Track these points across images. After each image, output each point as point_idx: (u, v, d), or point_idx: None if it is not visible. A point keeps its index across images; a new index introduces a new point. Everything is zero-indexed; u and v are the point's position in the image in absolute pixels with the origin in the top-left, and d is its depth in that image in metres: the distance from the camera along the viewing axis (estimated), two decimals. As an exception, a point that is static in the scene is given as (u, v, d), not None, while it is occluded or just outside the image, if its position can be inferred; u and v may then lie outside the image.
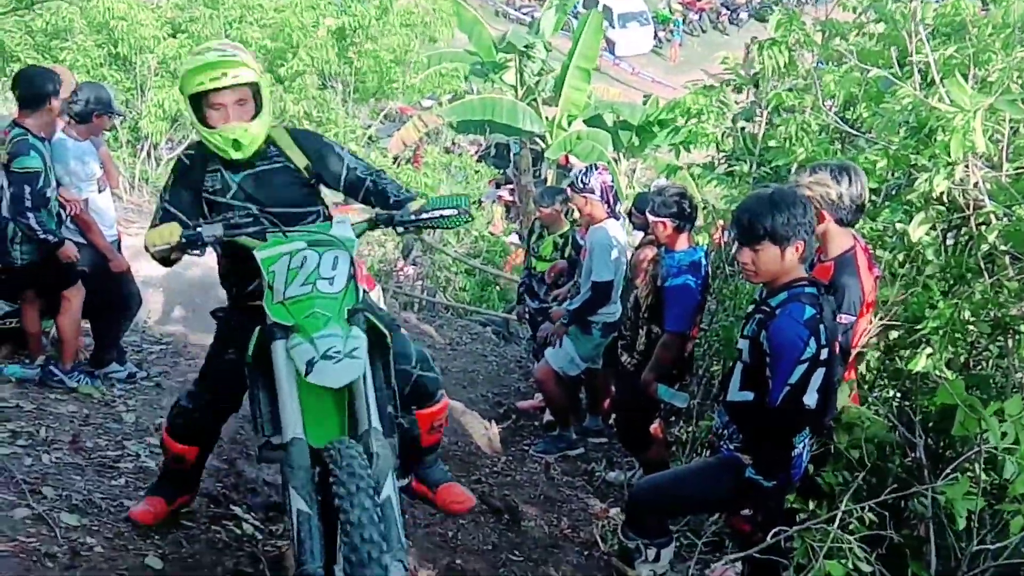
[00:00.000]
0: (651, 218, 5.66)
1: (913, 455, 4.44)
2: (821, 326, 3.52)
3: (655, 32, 37.23)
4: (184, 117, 13.33)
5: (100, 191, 6.25)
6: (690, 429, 6.72)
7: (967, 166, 4.22)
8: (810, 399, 3.53)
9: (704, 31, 38.21)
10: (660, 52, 37.32)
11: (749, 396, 3.72)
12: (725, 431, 3.89)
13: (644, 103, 19.53)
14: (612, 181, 6.41)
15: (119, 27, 12.39)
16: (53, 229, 5.71)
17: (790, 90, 5.70)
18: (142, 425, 5.69)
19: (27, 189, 5.50)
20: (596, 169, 6.44)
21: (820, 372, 3.52)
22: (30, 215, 5.53)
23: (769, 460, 3.72)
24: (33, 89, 5.62)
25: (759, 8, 37.44)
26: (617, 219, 6.46)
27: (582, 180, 6.40)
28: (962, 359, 4.73)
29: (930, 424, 4.62)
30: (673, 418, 6.81)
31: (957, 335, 4.40)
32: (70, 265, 5.87)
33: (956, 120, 3.92)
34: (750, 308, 3.84)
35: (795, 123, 5.14)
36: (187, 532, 4.46)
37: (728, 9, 38.90)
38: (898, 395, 4.95)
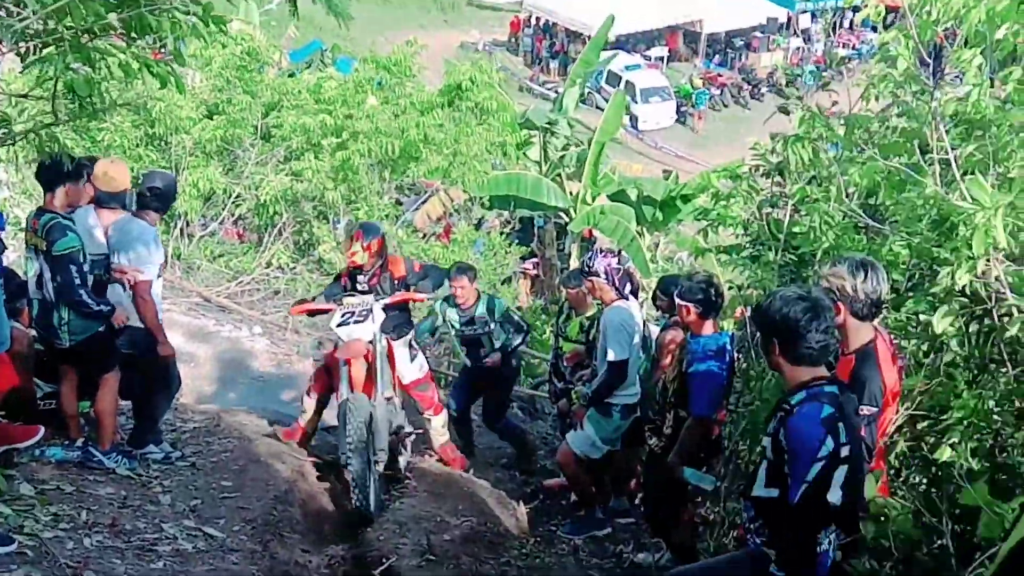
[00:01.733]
0: (678, 302, 5.78)
1: (941, 542, 4.48)
2: (840, 424, 3.58)
3: (678, 106, 37.62)
4: (217, 196, 13.63)
5: (159, 276, 6.41)
6: (717, 510, 6.76)
7: (988, 260, 4.32)
8: (834, 496, 3.58)
9: (726, 106, 38.59)
10: (684, 124, 37.67)
11: (774, 492, 3.77)
12: (752, 525, 3.95)
13: (666, 178, 19.68)
14: (619, 264, 6.50)
15: (156, 107, 12.70)
16: (103, 299, 5.87)
17: (813, 179, 5.84)
18: (178, 507, 5.80)
19: (73, 269, 5.66)
20: (600, 253, 6.58)
21: (842, 469, 3.58)
22: (82, 292, 5.69)
23: (792, 556, 3.76)
24: (50, 174, 5.74)
25: (777, 92, 37.91)
26: (627, 300, 6.54)
27: (587, 264, 6.56)
28: (987, 446, 4.78)
29: (957, 511, 4.66)
30: (700, 499, 6.82)
31: (982, 424, 4.47)
32: (111, 349, 6.02)
33: (978, 218, 4.04)
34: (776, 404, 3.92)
35: (819, 214, 5.26)
36: (226, 617, 4.55)
37: (749, 84, 39.35)
38: (924, 482, 5.00)
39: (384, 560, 5.63)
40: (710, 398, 5.69)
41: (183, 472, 6.46)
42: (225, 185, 13.81)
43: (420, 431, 7.70)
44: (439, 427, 7.83)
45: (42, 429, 5.33)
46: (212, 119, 13.82)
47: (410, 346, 7.52)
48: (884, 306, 4.38)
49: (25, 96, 3.61)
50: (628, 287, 6.58)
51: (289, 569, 5.37)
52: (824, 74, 37.63)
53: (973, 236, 4.05)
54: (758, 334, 3.97)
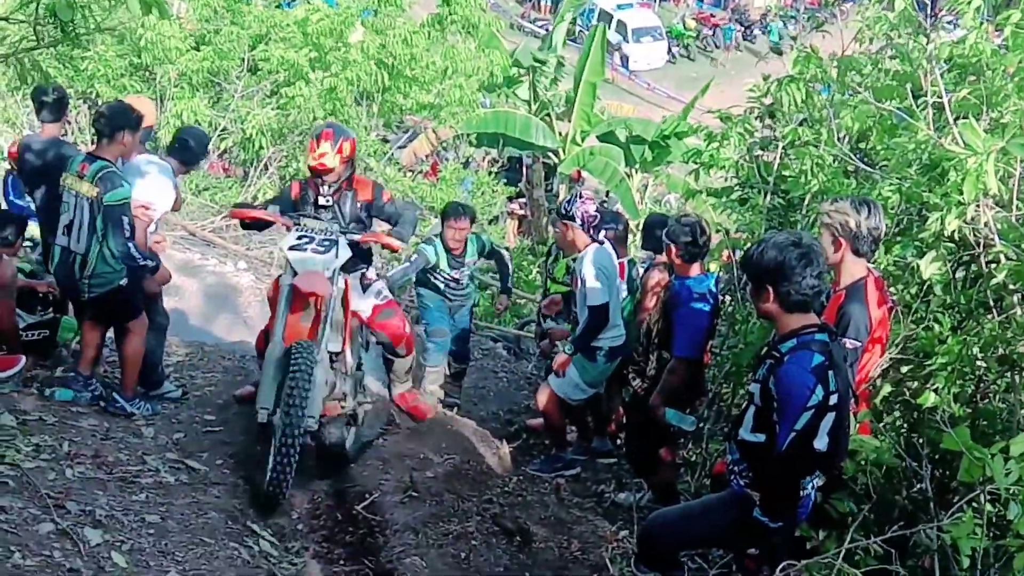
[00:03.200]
0: (666, 242, 5.75)
1: (920, 486, 4.52)
2: (830, 372, 3.58)
3: (669, 47, 37.27)
4: (206, 130, 13.49)
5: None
6: (698, 451, 6.80)
7: (978, 206, 4.30)
8: (820, 443, 3.59)
9: (717, 47, 38.26)
10: (675, 64, 37.33)
11: (761, 438, 3.78)
12: (736, 467, 3.96)
13: (663, 122, 19.49)
14: (596, 211, 6.41)
15: (144, 37, 12.49)
16: (147, 254, 5.93)
17: (804, 122, 5.79)
18: (161, 440, 5.81)
19: (125, 220, 5.69)
20: (580, 198, 6.49)
21: (830, 417, 3.58)
22: (130, 245, 5.71)
23: (776, 501, 3.78)
24: (112, 124, 5.78)
25: (770, 29, 37.64)
26: (601, 244, 6.46)
27: (565, 208, 6.46)
28: (969, 392, 4.80)
29: (937, 456, 4.69)
30: (682, 440, 6.86)
31: (965, 370, 4.49)
32: (133, 300, 6.04)
33: (969, 162, 4.01)
34: (763, 351, 3.92)
35: (810, 157, 5.22)
36: (207, 548, 4.56)
37: (742, 25, 38.97)
38: (906, 427, 5.03)
39: (367, 496, 5.63)
40: (693, 340, 5.68)
41: (166, 406, 6.45)
42: (211, 118, 13.65)
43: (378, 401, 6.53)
44: (401, 372, 6.87)
45: (23, 359, 5.31)
46: (199, 50, 13.62)
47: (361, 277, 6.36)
48: (879, 244, 4.38)
49: (6, 20, 3.52)
50: (602, 233, 6.50)
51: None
52: (819, 15, 37.46)
53: (964, 181, 4.02)
54: (747, 281, 3.92)
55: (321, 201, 5.97)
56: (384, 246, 6.14)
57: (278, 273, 10.95)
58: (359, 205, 6.14)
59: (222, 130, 13.97)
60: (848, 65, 5.54)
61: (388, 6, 14.61)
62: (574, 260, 7.55)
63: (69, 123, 6.16)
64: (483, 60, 15.16)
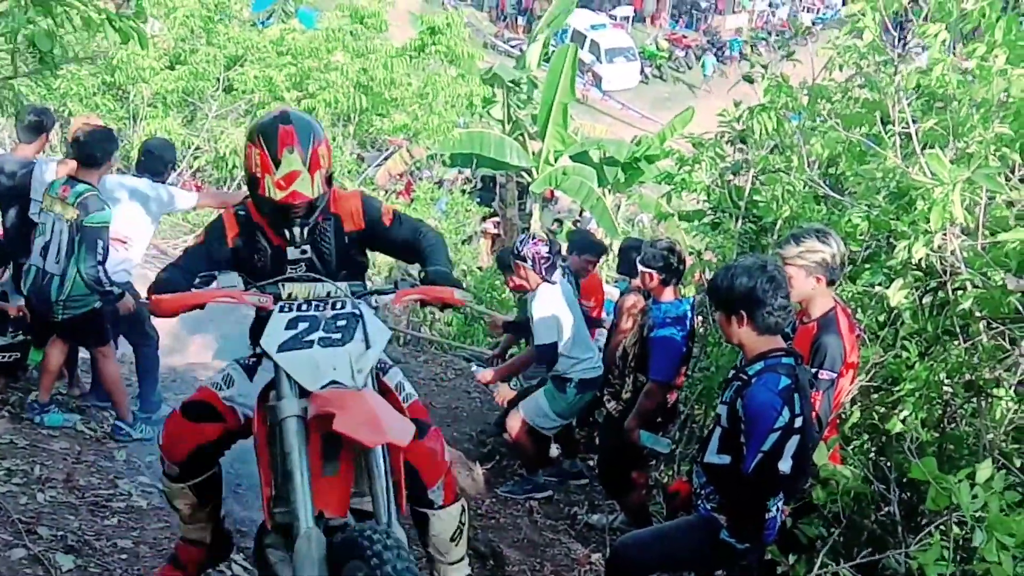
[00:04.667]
0: (640, 268, 5.82)
1: (888, 510, 4.58)
2: (796, 395, 3.65)
3: (642, 67, 37.54)
4: (179, 149, 13.45)
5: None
6: (671, 473, 6.85)
7: (945, 234, 4.37)
8: (785, 465, 3.66)
9: (690, 67, 38.57)
10: (647, 84, 37.58)
11: (726, 459, 3.84)
12: (703, 491, 4.01)
13: (634, 142, 19.61)
14: (547, 252, 6.45)
15: (117, 56, 12.48)
16: (115, 282, 5.88)
17: (775, 148, 5.87)
18: (133, 463, 5.78)
19: (100, 244, 5.66)
20: (532, 240, 6.56)
21: (795, 440, 3.65)
22: (99, 270, 5.68)
23: (743, 523, 3.84)
24: (93, 150, 5.78)
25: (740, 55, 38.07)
26: (552, 283, 6.50)
27: (517, 248, 6.51)
28: (936, 416, 4.87)
29: (904, 480, 4.76)
30: (654, 462, 6.90)
31: (932, 395, 4.56)
32: (103, 324, 6.05)
33: (936, 192, 4.08)
34: (730, 374, 3.97)
35: (781, 184, 5.29)
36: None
37: (714, 47, 39.32)
38: (874, 451, 5.10)
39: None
40: (669, 364, 5.74)
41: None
42: (184, 137, 13.63)
43: None
44: (445, 541, 4.00)
45: (-4, 383, 5.28)
46: (173, 69, 13.61)
47: None
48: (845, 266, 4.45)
49: (-19, 48, 3.53)
50: (555, 272, 6.54)
51: (244, 528, 5.35)
52: (788, 41, 37.87)
53: (931, 211, 4.09)
54: (715, 308, 3.98)
55: (292, 253, 3.78)
56: (444, 304, 3.61)
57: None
58: (348, 238, 3.87)
59: (195, 149, 13.94)
60: (818, 93, 5.63)
61: (368, 28, 14.71)
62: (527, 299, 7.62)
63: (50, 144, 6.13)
64: (463, 88, 15.34)
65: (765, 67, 5.72)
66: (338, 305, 3.43)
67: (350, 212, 3.86)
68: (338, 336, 3.30)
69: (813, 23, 39.75)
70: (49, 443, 5.66)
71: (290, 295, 3.46)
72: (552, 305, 6.39)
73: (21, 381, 6.55)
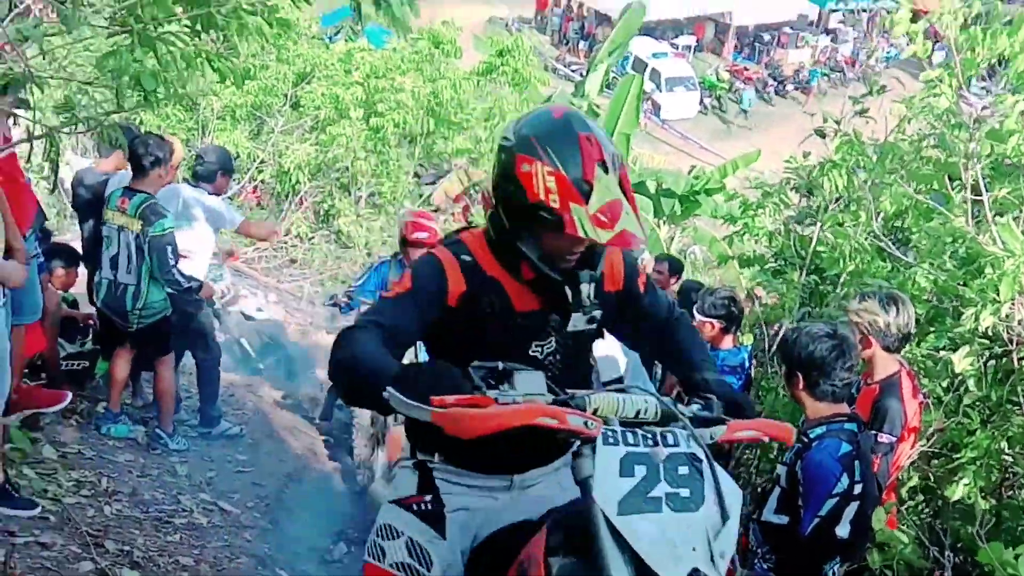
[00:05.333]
0: (699, 317, 5.84)
1: (941, 574, 4.58)
2: (856, 462, 3.67)
3: (701, 97, 37.50)
4: (241, 161, 13.69)
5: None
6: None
7: (1013, 303, 4.38)
8: (843, 531, 3.67)
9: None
10: (706, 115, 37.50)
11: (784, 520, 3.86)
12: (759, 549, 4.03)
13: (692, 174, 19.56)
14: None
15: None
16: (193, 276, 6.04)
17: (846, 207, 5.89)
18: (194, 479, 5.91)
19: (169, 250, 5.84)
20: None
21: (854, 506, 3.66)
22: (175, 271, 5.86)
23: None
24: (148, 158, 5.92)
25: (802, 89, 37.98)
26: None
27: None
28: (995, 483, 4.85)
29: (959, 544, 4.75)
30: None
31: (992, 463, 4.55)
32: (170, 334, 6.21)
33: (1007, 264, 4.09)
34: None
35: (848, 242, 5.31)
36: (238, 595, 4.66)
37: (775, 80, 39.20)
38: (929, 514, 5.09)
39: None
40: None
41: (198, 442, 6.56)
42: (250, 150, 13.87)
43: None
44: None
45: (68, 395, 5.41)
46: (244, 84, 13.87)
47: None
48: (911, 339, 4.45)
49: (90, 84, 3.67)
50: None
51: (299, 549, 5.46)
52: (850, 76, 37.68)
53: (1002, 283, 4.10)
54: (782, 364, 4.02)
55: (576, 324, 2.72)
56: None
57: (308, 307, 10.75)
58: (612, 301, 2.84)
59: (260, 162, 14.18)
60: (889, 151, 5.63)
61: (445, 54, 14.94)
62: None
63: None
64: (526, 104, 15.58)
65: (838, 122, 5.74)
66: (669, 439, 2.24)
67: (611, 267, 2.80)
68: (687, 494, 2.17)
69: (877, 61, 39.58)
70: (115, 455, 5.81)
71: (596, 411, 2.29)
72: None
73: (88, 390, 6.71)
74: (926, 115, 5.49)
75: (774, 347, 6.64)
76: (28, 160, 5.61)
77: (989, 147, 4.87)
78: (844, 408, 3.80)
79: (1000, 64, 4.94)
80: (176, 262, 5.86)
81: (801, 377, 3.76)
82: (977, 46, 4.63)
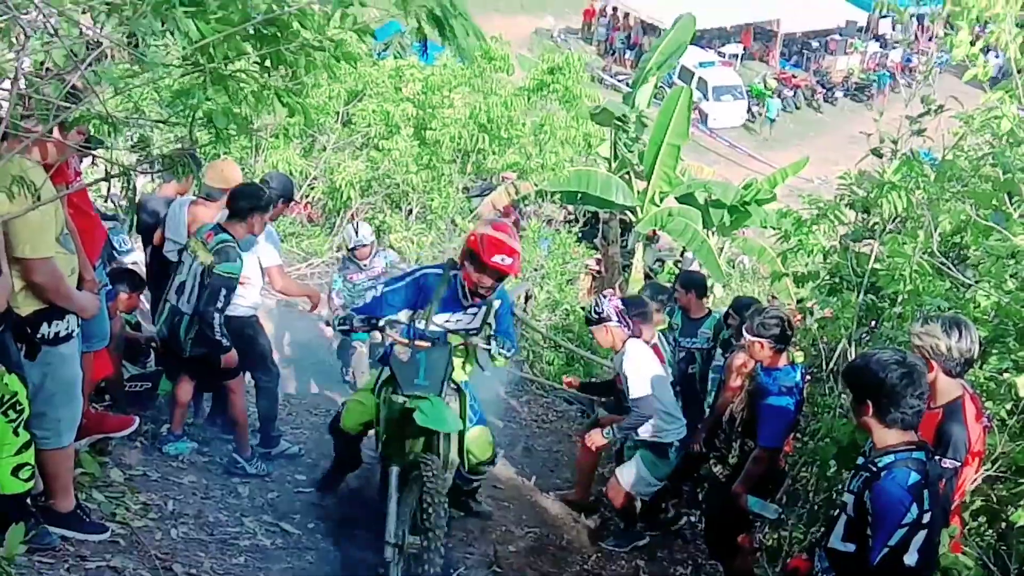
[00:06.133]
0: (749, 338, 5.84)
1: (1007, 598, 4.54)
2: (925, 491, 3.64)
3: (749, 106, 37.27)
4: (294, 178, 13.82)
5: None
6: (775, 536, 6.83)
7: (1079, 327, 4.35)
8: (911, 559, 3.64)
9: (798, 107, 38.20)
10: (751, 127, 37.23)
11: (851, 548, 3.84)
12: (825, 575, 4.02)
13: (742, 185, 19.47)
14: (622, 305, 6.51)
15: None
16: (227, 335, 6.10)
17: (902, 223, 5.86)
18: (256, 500, 5.99)
19: (223, 293, 5.96)
20: (606, 298, 6.59)
21: (922, 534, 3.64)
22: (217, 316, 5.96)
23: None
24: (248, 203, 6.09)
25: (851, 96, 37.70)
26: (638, 336, 6.53)
27: (595, 311, 6.52)
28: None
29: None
30: (758, 524, 6.89)
31: (1057, 487, 4.51)
32: (230, 364, 6.26)
33: (1074, 290, 4.06)
34: (859, 461, 3.98)
35: (907, 261, 5.27)
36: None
37: (824, 88, 38.90)
38: (994, 537, 5.04)
39: (452, 571, 5.73)
40: (779, 432, 5.78)
41: (258, 463, 6.64)
42: (302, 167, 14.03)
43: None
44: None
45: (136, 420, 5.54)
46: (313, 120, 14.06)
47: None
48: (974, 364, 4.42)
49: (164, 123, 3.77)
50: (640, 326, 6.58)
51: (359, 571, 5.50)
52: (902, 82, 37.27)
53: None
54: (850, 390, 4.00)
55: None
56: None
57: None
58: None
59: (312, 179, 14.34)
60: (947, 169, 5.60)
61: (496, 70, 15.04)
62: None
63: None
64: (578, 129, 15.63)
65: (895, 142, 5.71)
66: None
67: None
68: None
69: (927, 67, 39.08)
70: (179, 476, 5.91)
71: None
72: (644, 360, 6.40)
73: (150, 411, 6.83)
74: (983, 132, 5.46)
75: (831, 364, 6.66)
76: (107, 199, 5.73)
77: (1050, 166, 4.84)
78: (912, 436, 3.77)
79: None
80: (223, 307, 5.97)
81: (871, 404, 3.74)
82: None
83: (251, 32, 3.34)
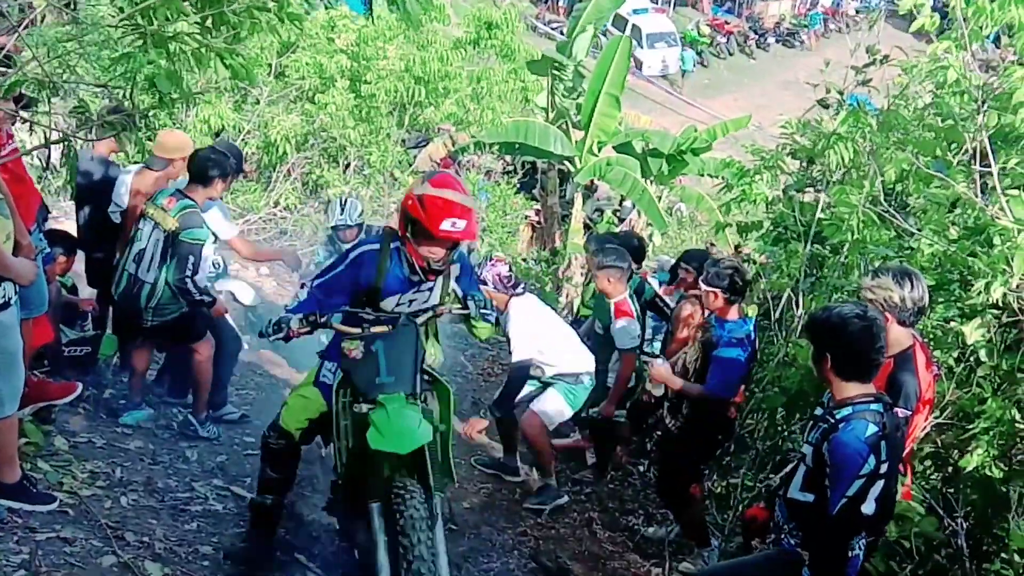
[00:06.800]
0: (704, 287, 5.87)
1: (955, 543, 4.65)
2: (883, 442, 3.69)
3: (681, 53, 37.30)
4: (226, 133, 13.54)
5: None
6: (723, 484, 6.93)
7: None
8: (868, 508, 3.71)
9: (731, 54, 38.35)
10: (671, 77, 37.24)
11: (810, 497, 3.89)
12: (785, 525, 4.07)
13: (681, 134, 19.50)
14: (510, 272, 6.53)
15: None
16: (208, 290, 6.04)
17: (845, 174, 5.89)
18: (206, 465, 5.91)
19: (191, 259, 5.84)
20: (490, 261, 6.59)
21: (879, 484, 3.70)
22: (189, 281, 5.85)
23: (825, 562, 3.89)
24: (207, 169, 5.96)
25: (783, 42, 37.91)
26: (521, 295, 6.56)
27: (478, 273, 6.49)
28: (1006, 450, 4.91)
29: (969, 509, 4.84)
30: (707, 472, 6.97)
31: (1004, 431, 4.61)
32: (195, 324, 6.19)
33: (1020, 238, 4.12)
34: (817, 412, 4.02)
35: (854, 212, 5.31)
36: (259, 583, 4.67)
37: (756, 33, 39.09)
38: (940, 481, 5.16)
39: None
40: (727, 382, 5.81)
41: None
42: (235, 122, 13.72)
43: None
44: None
45: (79, 386, 5.42)
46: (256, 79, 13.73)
47: None
48: (925, 313, 4.48)
49: (105, 87, 3.64)
50: (520, 286, 6.62)
51: (313, 530, 5.46)
52: (838, 28, 37.59)
53: (1015, 257, 4.13)
54: (808, 340, 4.04)
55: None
56: None
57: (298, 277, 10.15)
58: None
59: (246, 133, 14.05)
60: (891, 120, 5.63)
61: (430, 20, 14.85)
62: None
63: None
64: (516, 83, 15.50)
65: (841, 93, 5.73)
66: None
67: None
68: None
69: (857, 11, 39.50)
70: (125, 442, 5.80)
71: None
72: (526, 318, 6.43)
73: (91, 375, 6.68)
74: (926, 81, 5.50)
75: (777, 313, 6.72)
76: (47, 166, 5.54)
77: (996, 117, 4.89)
78: (870, 388, 3.81)
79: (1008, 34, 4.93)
80: (195, 273, 5.87)
81: (830, 358, 3.78)
82: (984, 16, 4.62)
83: (194, -9, 3.22)
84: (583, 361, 6.57)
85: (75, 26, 3.06)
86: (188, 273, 5.82)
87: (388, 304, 4.54)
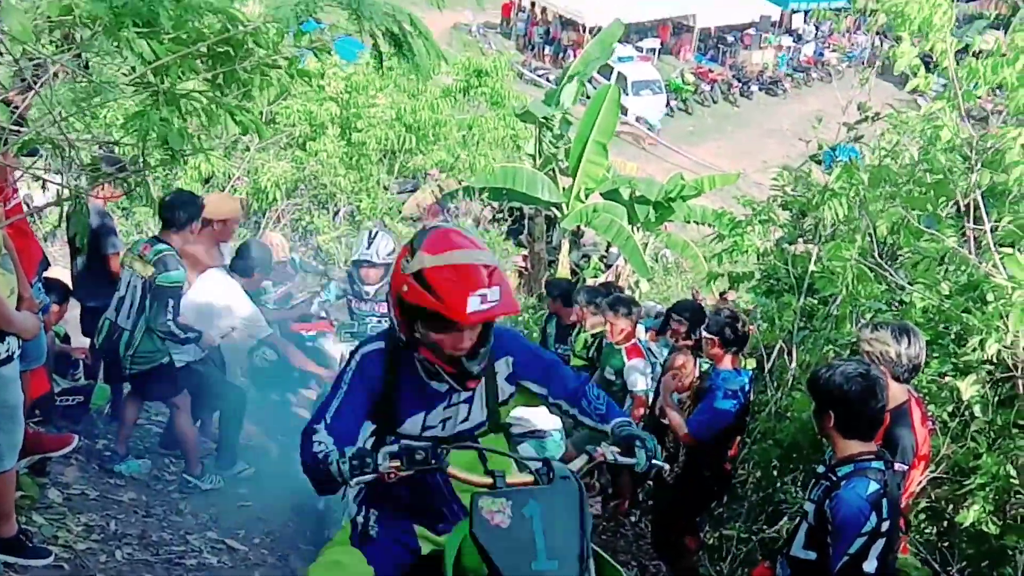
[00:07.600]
0: (704, 335, 5.92)
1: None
2: (884, 500, 3.72)
3: (667, 100, 37.60)
4: (216, 179, 13.59)
5: None
6: (716, 535, 6.91)
7: (1018, 331, 4.47)
8: (870, 566, 3.72)
9: (715, 102, 38.68)
10: (672, 117, 37.51)
11: (812, 555, 3.92)
12: (786, 583, 4.08)
13: (677, 180, 19.69)
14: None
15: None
16: (190, 328, 6.00)
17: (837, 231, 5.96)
18: (200, 518, 5.88)
19: (170, 303, 5.83)
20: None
21: (880, 542, 3.72)
22: (171, 324, 5.84)
23: None
24: (186, 213, 5.95)
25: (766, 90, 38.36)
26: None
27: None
28: (1001, 504, 4.93)
29: (967, 566, 4.86)
30: (704, 525, 6.97)
31: (1000, 487, 4.64)
32: (173, 379, 6.14)
33: (1015, 295, 4.18)
34: (819, 469, 4.05)
35: (847, 265, 5.36)
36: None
37: (739, 81, 39.48)
38: (935, 535, 5.18)
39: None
40: (710, 427, 5.82)
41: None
42: (225, 168, 13.77)
43: None
44: None
45: (75, 439, 5.40)
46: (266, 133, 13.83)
47: None
48: (920, 369, 4.52)
49: (117, 143, 3.68)
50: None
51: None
52: (814, 76, 38.07)
53: (1011, 314, 4.19)
54: (810, 397, 4.07)
55: None
56: None
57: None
58: None
59: (236, 179, 14.10)
60: (880, 175, 5.70)
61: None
62: (593, 335, 7.80)
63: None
64: (506, 129, 15.73)
65: (834, 149, 5.81)
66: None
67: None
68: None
69: (840, 61, 40.04)
70: (118, 494, 5.77)
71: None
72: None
73: (83, 425, 6.64)
74: (916, 137, 5.59)
75: (769, 365, 6.75)
76: (59, 223, 5.54)
77: (988, 177, 4.96)
78: (872, 446, 3.85)
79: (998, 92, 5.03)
80: (175, 316, 5.85)
81: (833, 415, 3.82)
82: (977, 77, 4.71)
83: (205, 51, 3.26)
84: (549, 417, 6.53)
85: (88, 85, 3.08)
86: (169, 317, 5.81)
87: (411, 427, 3.24)
